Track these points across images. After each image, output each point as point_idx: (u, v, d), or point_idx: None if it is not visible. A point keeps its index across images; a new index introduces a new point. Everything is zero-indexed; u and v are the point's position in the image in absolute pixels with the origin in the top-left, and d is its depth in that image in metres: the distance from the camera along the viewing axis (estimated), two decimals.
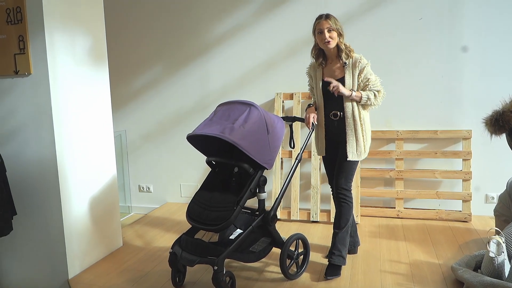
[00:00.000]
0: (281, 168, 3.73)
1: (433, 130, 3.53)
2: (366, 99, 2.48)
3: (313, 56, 2.63)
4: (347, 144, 2.52)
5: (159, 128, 4.23)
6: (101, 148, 2.94)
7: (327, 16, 2.48)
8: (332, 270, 2.50)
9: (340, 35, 2.49)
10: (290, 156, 3.72)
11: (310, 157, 3.65)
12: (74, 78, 2.66)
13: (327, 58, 2.59)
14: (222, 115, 2.38)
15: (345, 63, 2.51)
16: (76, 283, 2.60)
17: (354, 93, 2.46)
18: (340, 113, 2.52)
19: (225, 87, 3.98)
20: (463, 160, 3.47)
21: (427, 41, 3.49)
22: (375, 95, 2.50)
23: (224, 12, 3.89)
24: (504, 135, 2.50)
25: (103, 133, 2.97)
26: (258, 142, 2.28)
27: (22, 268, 2.71)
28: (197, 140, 2.40)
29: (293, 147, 2.81)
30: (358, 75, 2.49)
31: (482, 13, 3.36)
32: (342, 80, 2.50)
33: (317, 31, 2.49)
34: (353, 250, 2.80)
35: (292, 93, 3.75)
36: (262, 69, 3.86)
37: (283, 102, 3.77)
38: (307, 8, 3.65)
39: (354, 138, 2.51)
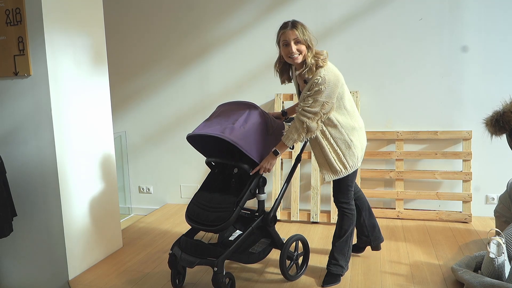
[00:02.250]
0: (281, 169, 3.73)
1: (433, 131, 3.53)
2: (291, 142, 2.23)
3: (277, 70, 2.36)
4: (318, 165, 2.38)
5: (159, 129, 4.23)
6: (101, 149, 2.94)
7: (294, 25, 2.15)
8: (330, 278, 2.45)
9: (308, 47, 2.17)
10: (290, 157, 3.72)
11: (310, 158, 3.65)
12: (73, 79, 2.66)
13: (294, 69, 2.34)
14: (222, 116, 2.38)
15: (305, 81, 2.25)
16: (76, 284, 2.59)
17: (278, 155, 2.26)
18: None
19: (225, 87, 3.98)
20: (463, 160, 3.46)
21: (427, 41, 3.49)
22: (298, 126, 2.19)
23: (224, 12, 3.89)
24: (504, 136, 2.49)
25: (103, 134, 2.97)
26: (258, 143, 2.28)
27: (23, 269, 2.71)
28: (197, 140, 2.40)
29: (293, 148, 2.80)
30: (306, 91, 2.20)
31: (482, 13, 3.36)
32: None
33: (283, 42, 2.19)
34: (376, 246, 2.74)
35: (292, 94, 3.75)
36: (262, 70, 3.85)
37: (283, 103, 3.77)
38: (307, 9, 3.65)
39: (323, 158, 2.33)
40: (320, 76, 2.16)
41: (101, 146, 2.94)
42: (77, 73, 2.70)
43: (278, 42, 2.25)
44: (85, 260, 2.78)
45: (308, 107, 2.19)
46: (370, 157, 3.64)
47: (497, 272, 2.18)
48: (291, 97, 3.76)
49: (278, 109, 3.73)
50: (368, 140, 3.63)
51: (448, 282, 2.41)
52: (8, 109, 2.56)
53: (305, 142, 2.71)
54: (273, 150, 2.29)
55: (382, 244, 2.93)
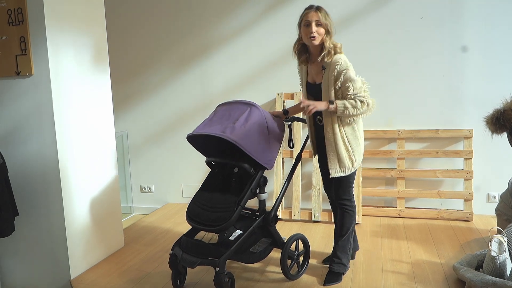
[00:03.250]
0: (282, 168, 3.73)
1: (434, 130, 3.53)
2: (342, 109, 2.22)
3: (295, 52, 2.42)
4: (328, 160, 2.35)
5: (160, 128, 4.23)
6: (102, 148, 2.94)
7: (318, 8, 2.26)
8: (332, 277, 2.45)
9: (327, 32, 2.25)
10: (292, 156, 3.72)
11: (311, 157, 3.65)
12: (75, 79, 2.67)
13: (311, 55, 2.37)
14: (222, 115, 2.38)
15: (323, 67, 2.28)
16: (78, 284, 2.60)
17: (332, 106, 2.23)
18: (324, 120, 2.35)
19: (226, 87, 3.98)
20: (465, 159, 3.46)
21: (428, 40, 3.48)
22: (355, 104, 2.23)
23: (225, 12, 3.89)
24: (505, 134, 2.49)
25: (105, 134, 2.97)
26: (259, 142, 2.28)
27: (25, 268, 2.72)
28: (197, 140, 2.40)
29: (292, 147, 2.80)
30: (335, 81, 2.25)
31: (483, 12, 3.35)
32: (320, 86, 2.33)
33: (304, 22, 2.27)
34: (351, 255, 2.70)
35: (293, 93, 3.75)
36: (263, 69, 3.86)
37: (284, 102, 3.77)
38: None
39: (335, 153, 2.32)
40: (340, 59, 2.23)
41: (102, 145, 2.94)
42: (79, 72, 2.71)
43: (299, 23, 2.32)
44: (87, 259, 2.79)
45: (355, 90, 2.23)
46: (371, 155, 3.64)
47: (498, 270, 2.18)
48: (292, 96, 3.75)
49: (279, 108, 3.73)
50: (369, 139, 3.65)
51: (449, 280, 2.41)
52: (10, 108, 2.57)
53: (305, 141, 2.71)
54: (331, 100, 2.26)
55: (383, 242, 2.94)
